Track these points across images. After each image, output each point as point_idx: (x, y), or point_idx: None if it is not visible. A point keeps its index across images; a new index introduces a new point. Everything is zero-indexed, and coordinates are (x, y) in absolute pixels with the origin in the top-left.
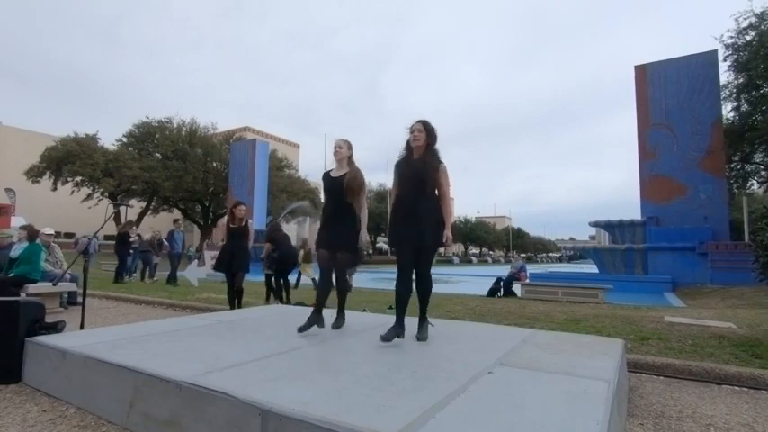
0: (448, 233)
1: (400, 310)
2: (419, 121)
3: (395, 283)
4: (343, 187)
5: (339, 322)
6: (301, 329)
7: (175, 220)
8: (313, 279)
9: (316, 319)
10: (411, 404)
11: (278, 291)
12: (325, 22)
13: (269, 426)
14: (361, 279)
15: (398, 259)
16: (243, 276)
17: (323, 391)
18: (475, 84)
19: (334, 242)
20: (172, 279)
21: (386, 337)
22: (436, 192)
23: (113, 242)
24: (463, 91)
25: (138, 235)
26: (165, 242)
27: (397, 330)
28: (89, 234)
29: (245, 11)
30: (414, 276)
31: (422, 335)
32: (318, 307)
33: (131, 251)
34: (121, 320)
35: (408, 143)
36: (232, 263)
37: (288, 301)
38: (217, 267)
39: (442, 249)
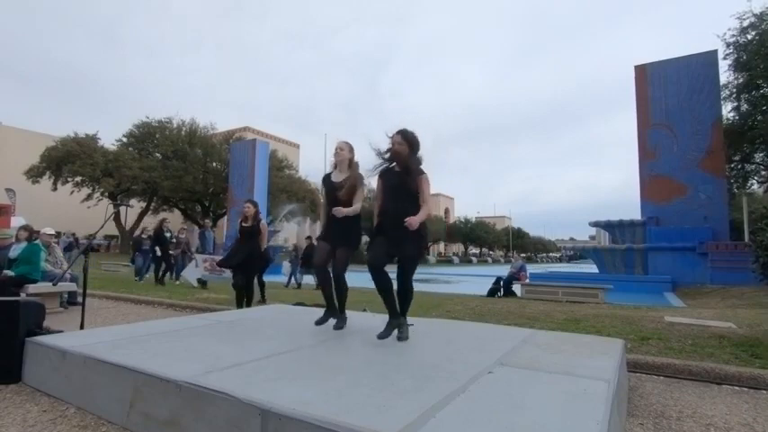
0: (414, 219)
1: (389, 304)
2: (398, 133)
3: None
4: (344, 192)
5: (341, 323)
6: (318, 323)
7: (206, 220)
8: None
9: (331, 313)
10: (411, 404)
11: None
12: (326, 22)
13: (269, 426)
14: (361, 279)
15: (369, 256)
16: (254, 277)
17: (323, 391)
18: (475, 84)
19: (335, 240)
20: (201, 281)
21: (382, 335)
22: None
23: (112, 242)
24: (463, 91)
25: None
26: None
27: (392, 325)
28: (69, 233)
29: (245, 11)
30: (387, 272)
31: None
32: (329, 304)
33: (169, 252)
34: (121, 320)
35: (390, 153)
36: (244, 263)
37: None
38: (231, 267)
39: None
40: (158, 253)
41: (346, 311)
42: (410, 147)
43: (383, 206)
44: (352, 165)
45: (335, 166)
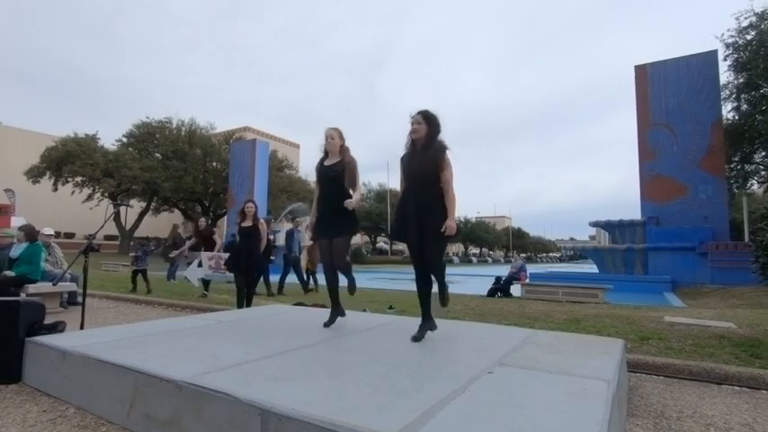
0: (450, 222)
1: (425, 307)
2: (419, 112)
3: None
4: (338, 175)
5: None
6: (327, 324)
7: (294, 219)
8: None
9: (337, 313)
10: (411, 404)
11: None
12: (326, 23)
13: (269, 426)
14: (360, 279)
15: (411, 256)
16: (256, 277)
17: (323, 391)
18: (475, 84)
19: (332, 232)
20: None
21: (416, 337)
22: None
23: (114, 242)
24: (463, 91)
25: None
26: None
27: (429, 325)
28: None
29: (246, 11)
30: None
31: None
32: (335, 303)
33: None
34: (121, 320)
35: (409, 134)
36: (246, 263)
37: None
38: (230, 268)
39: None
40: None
41: (346, 311)
42: (430, 126)
43: (405, 191)
44: (343, 150)
45: (327, 154)
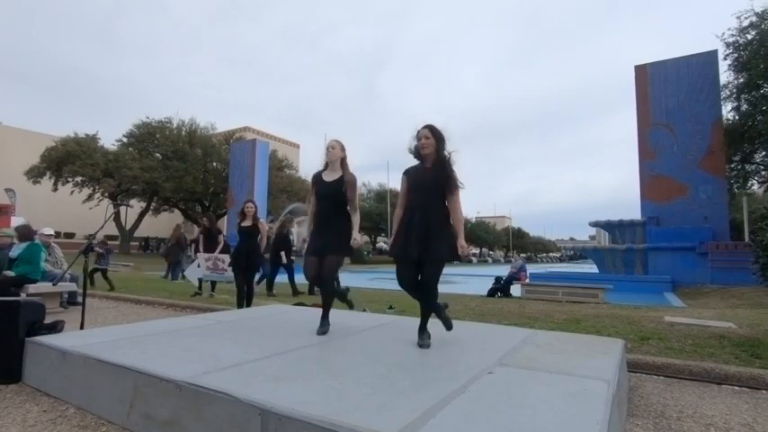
0: (462, 242)
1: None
2: (425, 127)
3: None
4: (338, 192)
5: (324, 328)
6: (319, 334)
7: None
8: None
9: (323, 323)
10: (411, 404)
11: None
12: (326, 23)
13: (269, 426)
14: (360, 279)
15: (398, 275)
16: (254, 277)
17: (323, 391)
18: (475, 83)
19: (324, 248)
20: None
21: (422, 345)
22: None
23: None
24: (463, 91)
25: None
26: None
27: (424, 335)
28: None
29: (246, 11)
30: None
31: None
32: (324, 311)
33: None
34: (121, 320)
35: (417, 150)
36: (245, 263)
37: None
38: (233, 268)
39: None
40: (284, 260)
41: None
42: (438, 141)
43: (409, 206)
44: (344, 164)
45: (326, 165)
